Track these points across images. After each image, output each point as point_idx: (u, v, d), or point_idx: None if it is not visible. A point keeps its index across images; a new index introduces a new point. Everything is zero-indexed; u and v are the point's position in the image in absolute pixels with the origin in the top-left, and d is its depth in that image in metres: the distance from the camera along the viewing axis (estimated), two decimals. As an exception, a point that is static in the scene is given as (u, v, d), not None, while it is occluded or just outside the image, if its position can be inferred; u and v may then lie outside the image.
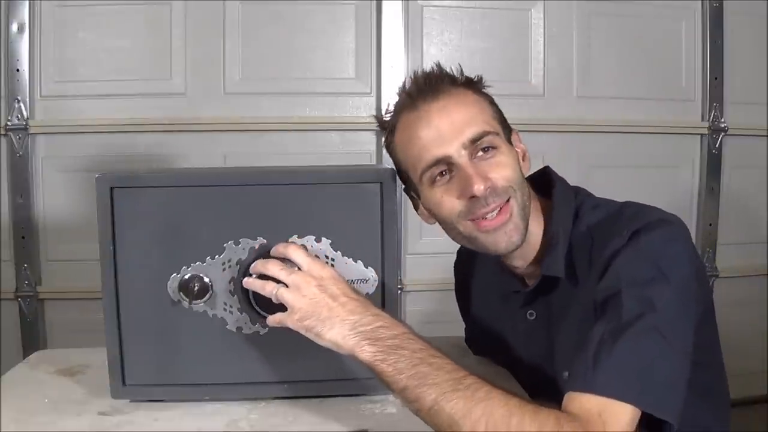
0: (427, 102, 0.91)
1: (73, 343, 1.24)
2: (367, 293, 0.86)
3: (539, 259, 0.96)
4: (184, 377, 0.87)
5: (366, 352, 0.77)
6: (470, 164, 0.89)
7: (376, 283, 0.86)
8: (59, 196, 1.89)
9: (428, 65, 0.97)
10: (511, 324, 1.03)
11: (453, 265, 1.20)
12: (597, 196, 1.00)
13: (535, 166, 1.01)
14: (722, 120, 2.10)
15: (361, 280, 0.86)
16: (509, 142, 0.95)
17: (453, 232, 0.94)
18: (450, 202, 0.90)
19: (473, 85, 0.96)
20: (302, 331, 0.80)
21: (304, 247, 0.84)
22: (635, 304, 0.80)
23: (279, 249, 0.84)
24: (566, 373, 0.89)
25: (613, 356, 0.76)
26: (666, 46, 2.08)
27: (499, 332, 1.06)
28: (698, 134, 2.11)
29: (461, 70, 0.96)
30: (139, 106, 1.88)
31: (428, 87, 0.92)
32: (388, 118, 0.96)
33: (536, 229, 0.96)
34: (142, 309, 0.85)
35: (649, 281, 0.82)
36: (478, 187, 0.87)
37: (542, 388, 0.96)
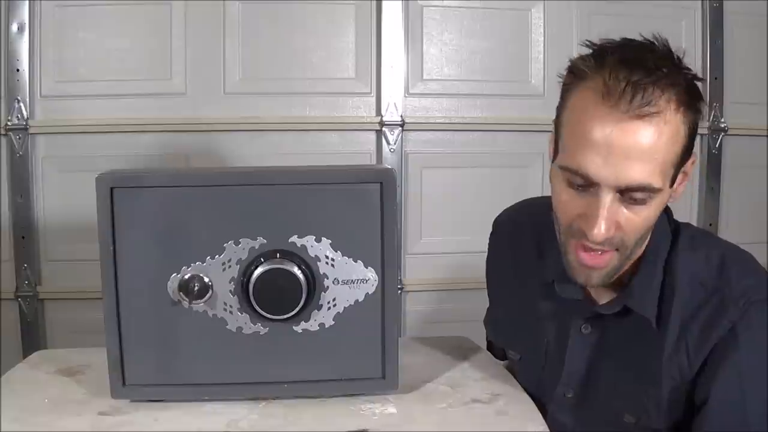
0: (627, 105, 0.76)
1: (73, 343, 1.24)
2: (367, 293, 0.86)
3: (623, 282, 0.90)
4: (184, 377, 0.87)
5: None
6: (609, 206, 0.79)
7: (376, 283, 0.86)
8: (59, 196, 1.88)
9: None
10: (556, 326, 0.98)
11: (489, 235, 1.13)
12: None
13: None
14: (722, 120, 2.09)
15: (361, 280, 0.86)
16: (673, 181, 0.83)
17: (555, 223, 0.88)
18: (566, 208, 0.84)
19: (690, 103, 0.80)
20: None
21: (304, 247, 0.84)
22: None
23: None
24: (631, 418, 0.88)
25: None
26: (666, 46, 2.08)
27: (533, 326, 1.01)
28: (698, 134, 2.11)
29: (692, 79, 0.80)
30: (139, 106, 1.88)
31: (642, 87, 0.75)
32: (585, 65, 0.81)
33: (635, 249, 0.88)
34: (142, 309, 0.85)
35: None
36: (598, 232, 0.79)
37: (561, 399, 0.96)
